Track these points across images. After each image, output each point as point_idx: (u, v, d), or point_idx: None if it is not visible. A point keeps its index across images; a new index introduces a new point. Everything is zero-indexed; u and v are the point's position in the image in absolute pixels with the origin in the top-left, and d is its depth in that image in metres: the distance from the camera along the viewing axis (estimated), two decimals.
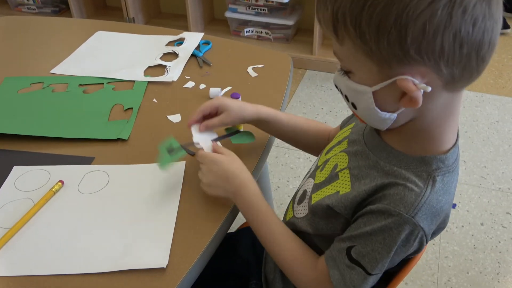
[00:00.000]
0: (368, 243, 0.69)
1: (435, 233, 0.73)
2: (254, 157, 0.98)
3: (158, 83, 1.23)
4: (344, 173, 0.77)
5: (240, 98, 0.97)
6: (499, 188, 2.03)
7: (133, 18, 2.98)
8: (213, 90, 1.16)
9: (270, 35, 2.97)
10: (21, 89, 1.20)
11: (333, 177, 0.79)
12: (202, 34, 1.43)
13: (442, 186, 0.68)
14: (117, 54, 1.37)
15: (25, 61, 1.36)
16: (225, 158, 0.85)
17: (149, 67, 1.30)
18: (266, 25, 2.96)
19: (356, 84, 0.66)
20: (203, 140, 0.90)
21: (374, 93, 0.64)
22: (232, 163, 0.85)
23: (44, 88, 1.20)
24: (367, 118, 0.70)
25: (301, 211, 0.85)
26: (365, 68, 0.63)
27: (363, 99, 0.66)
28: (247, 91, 1.18)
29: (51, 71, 1.29)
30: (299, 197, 0.89)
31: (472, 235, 1.83)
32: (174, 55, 1.36)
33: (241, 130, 0.99)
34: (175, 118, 1.10)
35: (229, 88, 1.19)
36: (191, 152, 0.90)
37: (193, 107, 1.12)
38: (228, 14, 2.94)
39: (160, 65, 1.31)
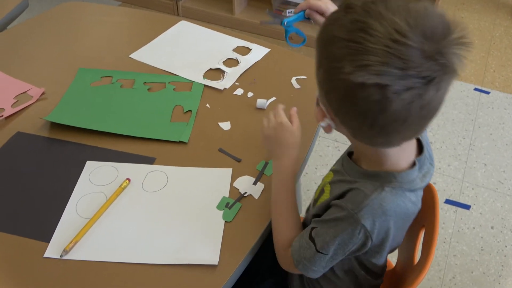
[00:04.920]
0: (324, 227, 0.88)
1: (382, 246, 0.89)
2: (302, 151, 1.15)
3: (211, 87, 1.37)
4: (326, 187, 0.97)
5: None
6: None
7: None
8: (260, 101, 1.30)
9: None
10: (93, 82, 1.36)
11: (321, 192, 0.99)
12: (268, 50, 1.52)
13: (389, 196, 0.83)
14: (189, 48, 1.51)
15: (101, 45, 1.53)
16: (290, 129, 1.03)
17: (210, 69, 1.43)
18: None
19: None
20: (247, 188, 1.09)
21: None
22: (291, 136, 1.03)
23: (113, 83, 1.37)
24: None
25: None
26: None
27: None
28: (290, 103, 1.30)
29: (130, 56, 1.47)
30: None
31: (482, 237, 1.97)
32: (235, 61, 1.47)
33: (269, 161, 1.15)
34: (226, 125, 1.25)
35: (273, 99, 1.33)
36: (246, 194, 1.08)
37: (242, 116, 1.27)
38: None
39: (219, 69, 1.44)
